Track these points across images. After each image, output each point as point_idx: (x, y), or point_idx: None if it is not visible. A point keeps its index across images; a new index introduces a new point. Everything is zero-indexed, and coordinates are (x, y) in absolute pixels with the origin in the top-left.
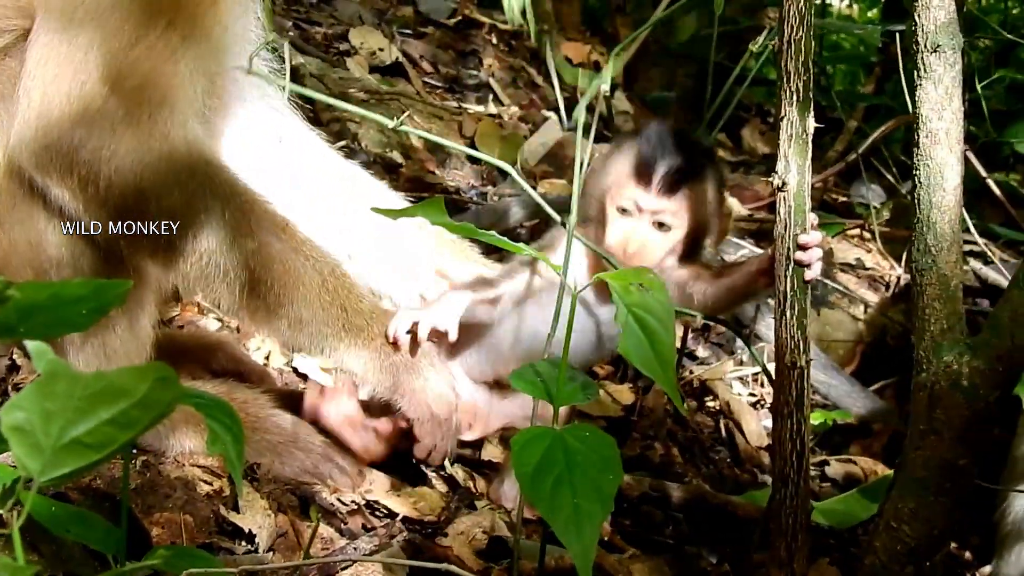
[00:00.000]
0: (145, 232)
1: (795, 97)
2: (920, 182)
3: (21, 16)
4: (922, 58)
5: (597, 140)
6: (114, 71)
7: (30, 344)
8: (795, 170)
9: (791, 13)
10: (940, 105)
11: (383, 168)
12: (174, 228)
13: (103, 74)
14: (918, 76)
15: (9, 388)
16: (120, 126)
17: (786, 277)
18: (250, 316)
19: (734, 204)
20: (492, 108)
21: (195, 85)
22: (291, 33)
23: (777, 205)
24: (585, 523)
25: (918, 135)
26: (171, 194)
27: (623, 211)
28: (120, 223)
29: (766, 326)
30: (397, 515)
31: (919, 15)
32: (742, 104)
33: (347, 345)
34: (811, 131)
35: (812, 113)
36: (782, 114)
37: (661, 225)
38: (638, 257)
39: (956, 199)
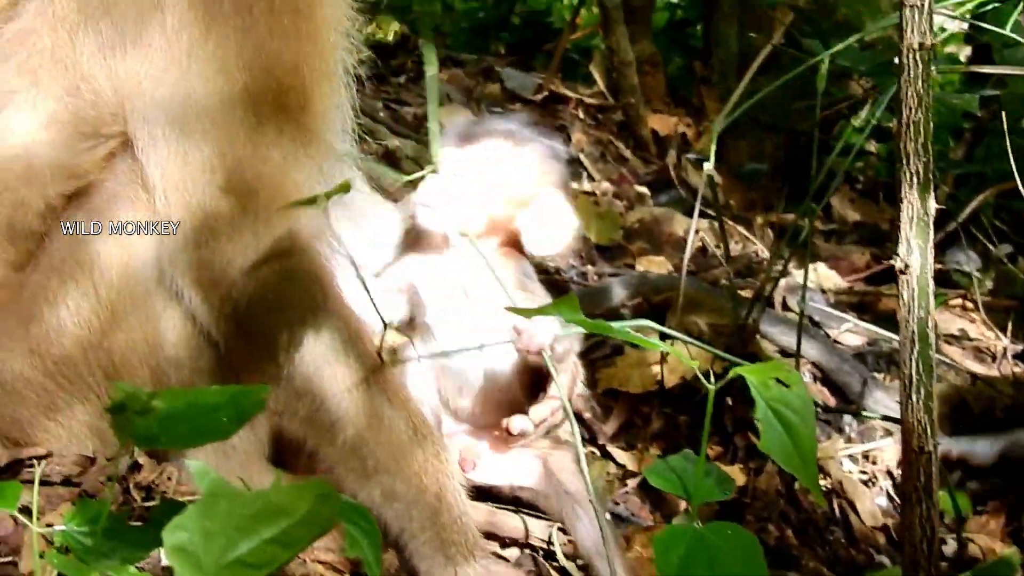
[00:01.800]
0: (262, 346)
1: (915, 179)
2: None
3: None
4: None
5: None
6: (231, 178)
7: (191, 463)
8: (917, 252)
9: (909, 95)
10: None
11: None
12: (290, 354)
13: (221, 181)
14: None
15: (131, 487)
16: (239, 232)
17: (911, 360)
18: (344, 472)
19: (832, 275)
20: (585, 185)
21: (308, 186)
22: (382, 114)
23: (900, 288)
24: None
25: None
26: (286, 309)
27: None
28: (240, 331)
29: (873, 400)
30: None
31: None
32: (829, 171)
33: (426, 541)
34: (932, 212)
35: (933, 194)
36: (902, 196)
37: None
38: None
39: None
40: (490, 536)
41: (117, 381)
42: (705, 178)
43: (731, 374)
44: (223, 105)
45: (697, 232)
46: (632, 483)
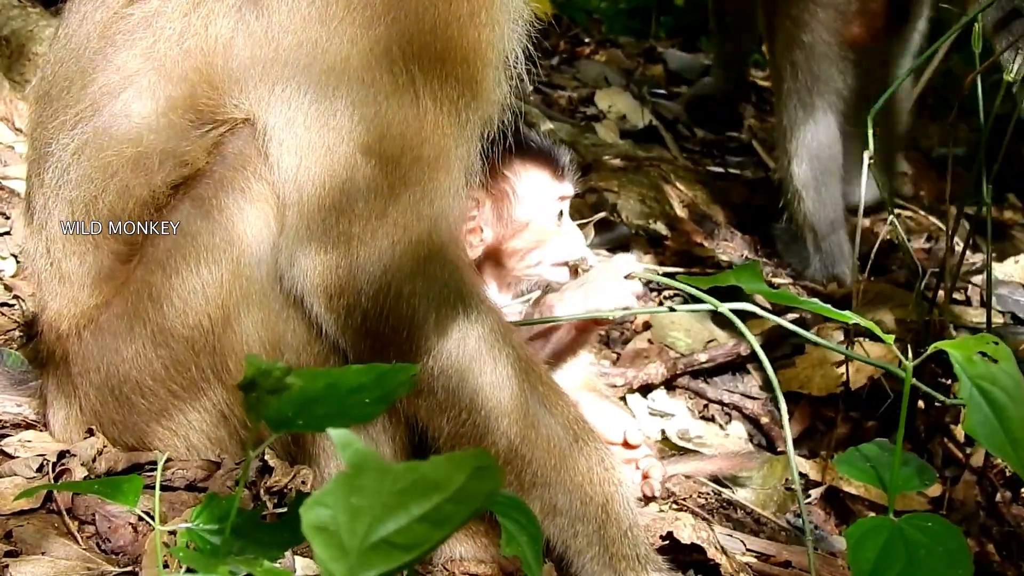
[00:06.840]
0: (395, 356)
1: None
2: None
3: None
4: None
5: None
6: (375, 141)
7: (333, 432)
8: None
9: None
10: None
11: (647, 241)
12: (430, 363)
13: (362, 144)
14: None
15: (262, 492)
16: (378, 202)
17: None
18: None
19: None
20: (759, 173)
21: (462, 155)
22: (532, 97)
23: None
24: None
25: None
26: (425, 310)
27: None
28: (370, 340)
29: None
30: None
31: None
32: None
33: (593, 557)
34: None
35: None
36: None
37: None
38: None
39: None
40: (663, 549)
41: (235, 384)
42: (865, 167)
43: (931, 348)
44: (375, 89)
45: (885, 223)
46: (815, 493)
